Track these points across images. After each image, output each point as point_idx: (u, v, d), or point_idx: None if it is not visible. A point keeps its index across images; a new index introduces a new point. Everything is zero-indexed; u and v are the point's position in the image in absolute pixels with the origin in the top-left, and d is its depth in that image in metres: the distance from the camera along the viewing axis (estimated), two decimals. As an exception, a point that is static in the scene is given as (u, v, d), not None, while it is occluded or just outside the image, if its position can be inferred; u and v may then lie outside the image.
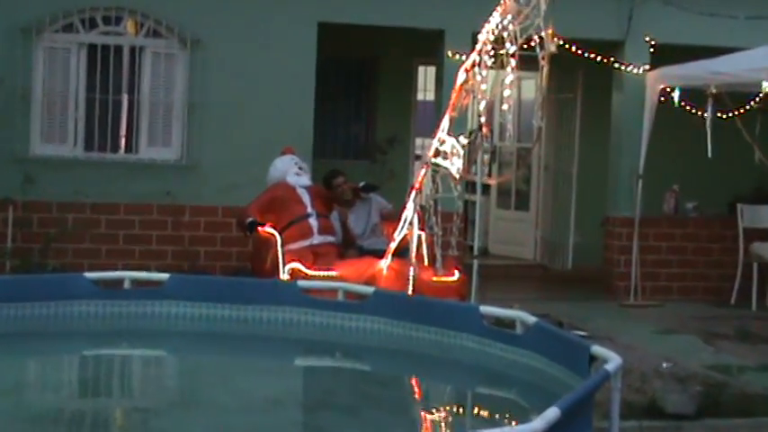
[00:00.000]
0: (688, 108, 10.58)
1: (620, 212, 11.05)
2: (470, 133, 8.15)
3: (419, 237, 8.03)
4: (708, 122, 10.20)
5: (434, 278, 8.12)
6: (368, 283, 7.47)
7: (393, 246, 8.10)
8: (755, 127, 10.83)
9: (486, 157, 9.31)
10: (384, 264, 8.06)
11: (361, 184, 9.31)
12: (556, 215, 12.65)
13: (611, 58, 10.91)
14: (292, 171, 9.08)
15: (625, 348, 7.86)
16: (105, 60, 10.10)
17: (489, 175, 13.39)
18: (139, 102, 10.21)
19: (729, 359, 8.34)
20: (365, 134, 12.56)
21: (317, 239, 8.67)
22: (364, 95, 12.54)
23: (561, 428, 3.45)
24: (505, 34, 7.76)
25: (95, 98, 10.11)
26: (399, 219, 8.12)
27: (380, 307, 5.69)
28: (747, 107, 10.85)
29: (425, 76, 12.94)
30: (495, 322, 5.50)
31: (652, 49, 10.93)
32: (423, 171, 8.13)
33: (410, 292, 7.79)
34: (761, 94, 10.36)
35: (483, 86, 7.99)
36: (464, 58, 8.52)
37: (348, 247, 8.96)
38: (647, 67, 10.85)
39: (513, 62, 7.74)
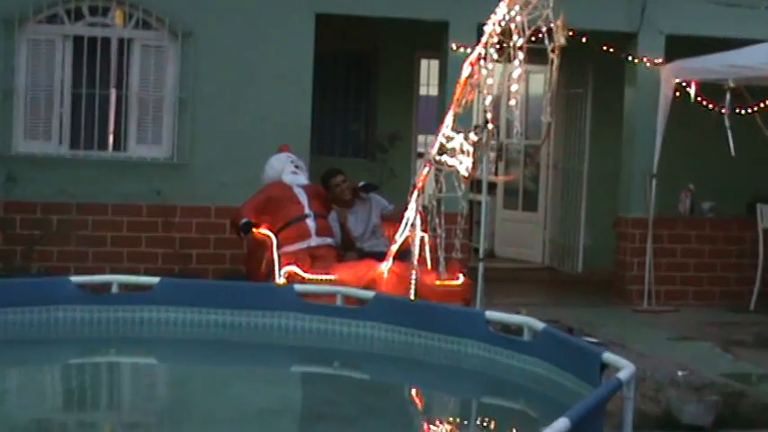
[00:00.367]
0: (705, 103, 10.57)
1: (632, 213, 11.05)
2: (475, 128, 8.14)
3: (422, 239, 8.04)
4: (725, 118, 10.18)
5: (437, 282, 8.13)
6: (368, 287, 7.48)
7: (394, 248, 8.10)
8: (775, 123, 10.83)
9: (493, 155, 9.32)
10: (385, 267, 8.06)
11: (361, 183, 9.31)
12: (565, 216, 12.65)
13: (624, 51, 10.91)
14: (289, 170, 9.09)
15: (638, 356, 7.85)
16: (92, 53, 10.09)
17: (495, 173, 13.42)
18: (128, 97, 10.21)
19: (748, 367, 8.34)
20: (365, 131, 12.56)
21: (314, 241, 8.68)
22: (364, 90, 12.54)
23: (571, 440, 3.46)
24: (513, 26, 7.76)
25: (81, 93, 10.11)
26: (401, 220, 8.13)
27: (381, 312, 5.69)
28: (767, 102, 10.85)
29: (428, 70, 12.92)
30: (501, 328, 5.51)
31: (667, 41, 10.92)
32: (425, 170, 8.13)
33: (412, 296, 7.79)
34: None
35: (489, 81, 7.99)
36: (469, 50, 8.52)
37: (347, 250, 8.96)
38: (662, 60, 10.85)
39: (520, 55, 7.74)
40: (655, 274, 10.80)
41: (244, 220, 8.67)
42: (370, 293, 6.03)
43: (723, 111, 10.24)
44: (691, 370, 7.78)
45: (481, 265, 8.91)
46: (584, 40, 9.91)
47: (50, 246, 9.91)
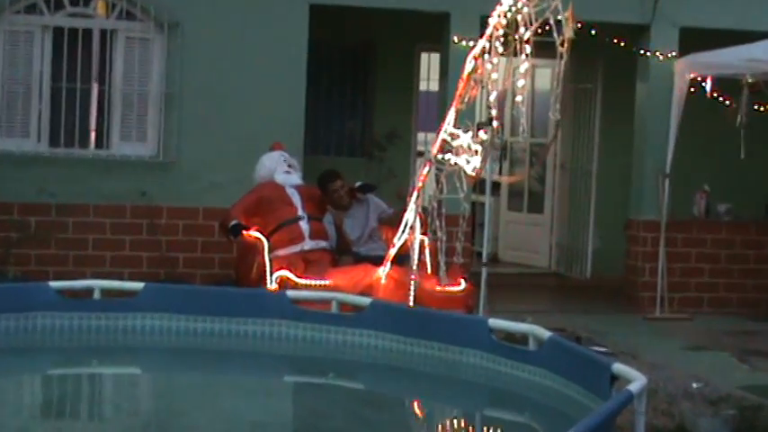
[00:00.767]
0: (721, 99, 10.59)
1: (644, 215, 11.06)
2: (479, 126, 8.15)
3: (421, 242, 8.04)
4: (741, 116, 10.19)
5: (438, 288, 8.13)
6: (364, 293, 7.48)
7: (392, 252, 8.10)
8: (796, 120, 10.85)
9: (497, 153, 9.33)
10: (382, 272, 8.06)
11: (358, 184, 9.32)
12: (573, 218, 12.66)
13: (635, 44, 10.92)
14: (281, 169, 9.09)
15: (650, 367, 7.85)
16: (72, 45, 10.09)
17: (500, 173, 13.43)
18: (111, 92, 10.20)
19: (767, 379, 8.34)
20: (362, 128, 12.57)
21: (308, 245, 8.68)
22: (361, 85, 12.55)
23: (579, 456, 3.46)
24: (519, 17, 7.77)
25: (62, 87, 10.11)
26: (399, 222, 8.13)
27: (378, 320, 5.70)
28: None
29: (429, 65, 12.94)
30: (505, 337, 5.51)
31: (681, 34, 10.93)
32: (426, 169, 8.14)
33: (411, 303, 7.79)
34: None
35: (493, 76, 7.99)
36: (472, 44, 8.52)
37: (343, 254, 8.97)
38: (676, 53, 10.86)
39: (527, 49, 7.75)
40: (668, 279, 10.81)
41: (233, 223, 8.67)
42: (366, 300, 6.04)
43: (740, 107, 10.26)
44: (706, 382, 7.78)
45: (484, 270, 8.92)
46: (593, 32, 9.91)
47: (28, 249, 9.90)
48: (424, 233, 8.05)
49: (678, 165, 10.81)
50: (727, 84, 10.56)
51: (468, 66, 8.06)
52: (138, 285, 6.07)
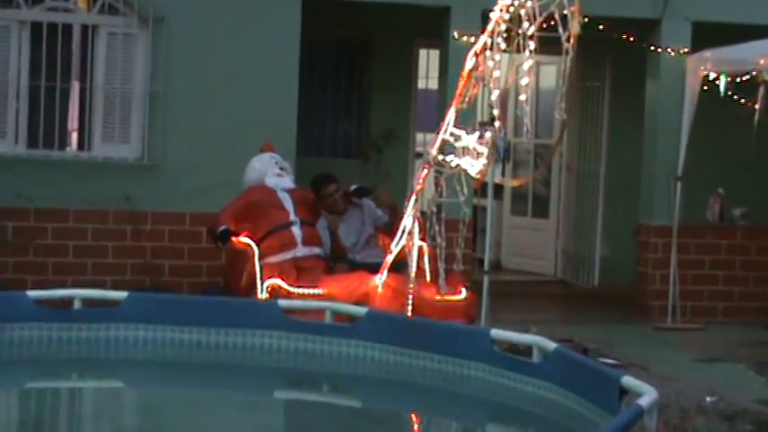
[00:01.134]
0: (736, 98, 10.59)
1: (655, 220, 11.06)
2: (480, 126, 8.16)
3: (420, 248, 8.04)
4: (757, 115, 10.20)
5: (437, 297, 8.13)
6: (360, 302, 7.48)
7: (389, 259, 8.10)
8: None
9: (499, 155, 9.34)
10: (379, 280, 8.06)
11: (353, 187, 9.31)
12: (580, 223, 12.66)
13: (646, 40, 10.93)
14: (272, 172, 9.09)
15: (661, 379, 7.86)
16: (52, 41, 10.09)
17: (502, 175, 13.43)
18: (92, 90, 10.20)
19: (784, 392, 8.35)
20: (357, 129, 12.57)
21: (300, 251, 8.68)
22: (356, 84, 12.55)
23: (587, 474, 3.46)
24: (522, 12, 7.78)
25: (40, 86, 10.10)
26: (397, 227, 8.13)
27: (375, 330, 5.70)
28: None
29: (427, 61, 12.95)
30: (508, 348, 5.51)
31: (693, 29, 10.94)
32: (424, 171, 8.14)
33: (409, 312, 7.79)
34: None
35: (495, 73, 8.00)
36: (473, 39, 8.53)
37: (337, 261, 8.96)
38: (688, 49, 10.87)
39: (531, 45, 7.76)
40: (680, 287, 10.81)
41: (222, 228, 8.67)
42: (362, 309, 6.04)
43: (756, 106, 10.27)
44: (720, 396, 7.79)
45: (486, 278, 8.93)
46: (601, 27, 9.93)
47: (5, 256, 9.90)
48: (422, 239, 8.05)
49: (691, 167, 10.82)
50: (742, 81, 10.56)
51: (469, 63, 8.07)
52: (122, 294, 6.07)
